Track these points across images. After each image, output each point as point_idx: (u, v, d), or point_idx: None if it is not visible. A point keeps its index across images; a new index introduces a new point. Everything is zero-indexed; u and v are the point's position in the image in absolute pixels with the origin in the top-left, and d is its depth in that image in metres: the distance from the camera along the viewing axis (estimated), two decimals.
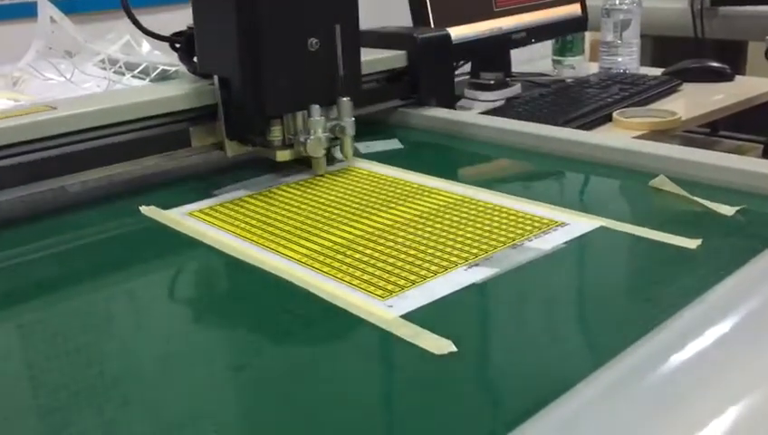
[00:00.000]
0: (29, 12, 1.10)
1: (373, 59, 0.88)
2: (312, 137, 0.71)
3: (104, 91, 0.79)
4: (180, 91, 0.74)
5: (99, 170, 0.69)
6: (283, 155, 0.73)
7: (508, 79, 1.20)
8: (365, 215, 0.62)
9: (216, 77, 0.73)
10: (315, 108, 0.71)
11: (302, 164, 0.75)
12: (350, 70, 0.74)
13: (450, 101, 0.97)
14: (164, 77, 1.16)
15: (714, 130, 1.39)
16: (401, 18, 1.06)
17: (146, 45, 1.19)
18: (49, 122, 0.66)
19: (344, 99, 0.73)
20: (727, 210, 0.58)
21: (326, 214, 0.63)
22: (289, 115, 0.72)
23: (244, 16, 0.68)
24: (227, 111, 0.74)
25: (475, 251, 0.54)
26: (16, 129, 0.65)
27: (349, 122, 0.73)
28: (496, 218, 0.60)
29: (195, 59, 0.77)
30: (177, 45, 0.81)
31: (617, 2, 1.29)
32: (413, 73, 0.92)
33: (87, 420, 0.37)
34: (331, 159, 0.76)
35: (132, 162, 0.71)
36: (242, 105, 0.71)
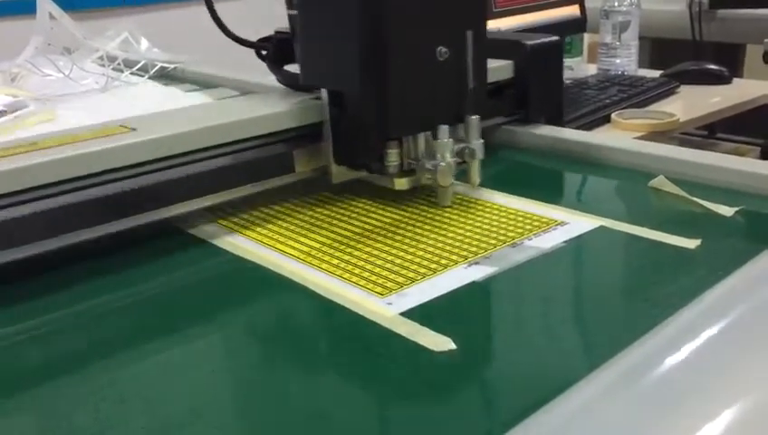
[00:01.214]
0: (28, 8, 1.10)
1: None
2: (442, 163, 0.60)
3: (182, 108, 0.68)
4: (283, 107, 0.64)
5: (187, 204, 0.58)
6: (401, 183, 0.62)
7: None
8: (363, 212, 0.62)
9: (324, 91, 0.63)
10: (443, 128, 0.60)
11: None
12: (478, 82, 0.63)
13: (560, 117, 0.84)
14: (163, 74, 1.16)
15: (711, 132, 1.40)
16: None
17: (144, 42, 1.19)
18: (132, 148, 0.55)
19: (473, 117, 0.62)
20: (726, 211, 0.59)
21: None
22: (410, 137, 0.62)
23: (368, 21, 0.58)
24: (336, 131, 0.64)
25: (474, 249, 0.54)
26: (92, 157, 0.53)
27: (478, 144, 0.62)
28: (496, 217, 0.60)
29: (285, 68, 0.70)
30: (264, 52, 0.72)
31: (615, 3, 1.29)
32: (519, 86, 0.80)
33: None
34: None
35: (228, 192, 0.61)
36: (359, 124, 0.61)
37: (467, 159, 0.63)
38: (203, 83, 1.13)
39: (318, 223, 0.61)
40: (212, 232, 0.60)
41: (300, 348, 0.44)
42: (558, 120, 0.83)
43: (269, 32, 0.71)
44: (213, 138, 0.59)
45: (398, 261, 0.53)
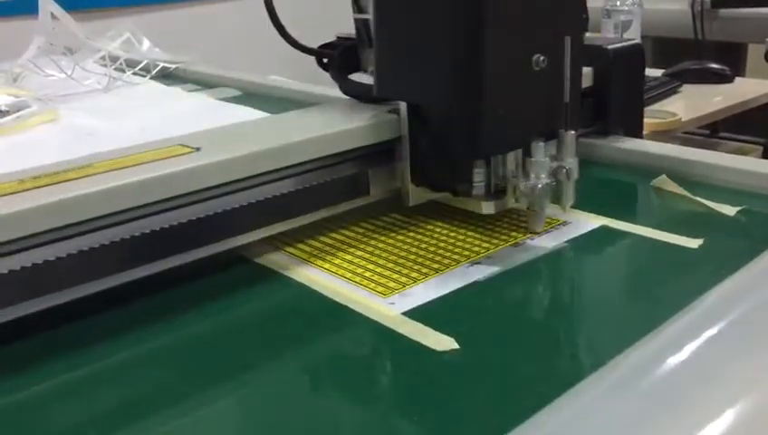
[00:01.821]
0: (30, 8, 1.10)
1: None
2: (540, 184, 0.53)
3: (241, 123, 0.62)
4: (358, 122, 0.56)
5: (261, 231, 0.52)
6: (488, 206, 0.56)
7: None
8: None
9: (402, 105, 0.57)
10: (539, 146, 0.53)
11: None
12: (574, 93, 0.55)
13: (639, 129, 0.77)
14: (164, 74, 1.16)
15: (713, 131, 1.40)
16: None
17: (146, 43, 1.19)
18: (197, 172, 0.48)
19: (569, 132, 0.54)
20: (729, 210, 0.58)
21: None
22: (499, 156, 0.55)
23: (462, 27, 0.51)
24: (415, 149, 0.58)
25: (476, 249, 0.54)
26: (155, 183, 0.46)
27: (574, 163, 0.55)
28: (498, 216, 0.60)
29: (350, 76, 0.64)
30: (325, 60, 0.67)
31: (617, 3, 1.29)
32: (599, 95, 0.73)
33: None
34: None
35: (296, 220, 0.54)
36: (444, 142, 0.55)
37: (562, 178, 0.55)
38: (205, 83, 1.13)
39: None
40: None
41: (302, 347, 0.44)
42: (638, 133, 0.76)
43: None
44: (287, 157, 0.52)
45: (401, 261, 0.53)
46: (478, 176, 0.55)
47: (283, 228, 0.54)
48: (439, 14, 0.52)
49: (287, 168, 0.52)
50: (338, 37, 0.65)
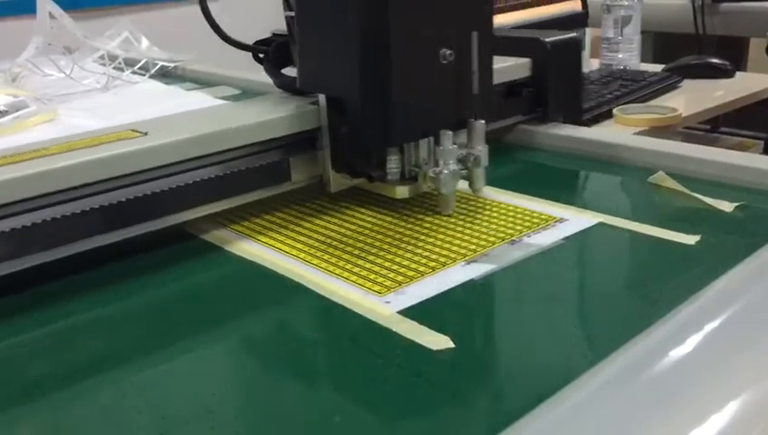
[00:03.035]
0: (28, 8, 1.10)
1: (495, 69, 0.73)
2: (445, 171, 0.58)
3: (186, 112, 0.66)
4: (280, 113, 0.61)
5: (192, 211, 0.57)
6: (402, 191, 0.61)
7: None
8: (360, 210, 0.62)
9: (321, 97, 0.61)
10: (447, 134, 0.58)
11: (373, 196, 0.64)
12: (483, 85, 0.60)
13: (580, 116, 0.83)
14: (163, 73, 1.16)
15: (714, 126, 1.39)
16: None
17: (144, 42, 1.19)
18: (142, 154, 0.53)
19: (478, 122, 0.60)
20: (726, 206, 0.58)
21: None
22: (411, 143, 0.60)
23: (369, 24, 0.55)
24: (335, 138, 0.62)
25: (473, 247, 0.54)
26: (104, 163, 0.52)
27: (483, 151, 0.60)
28: (494, 214, 0.59)
29: (283, 71, 0.68)
30: (261, 56, 0.71)
31: None
32: (538, 85, 0.79)
33: None
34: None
35: (228, 201, 0.59)
36: (359, 131, 0.59)
37: (471, 166, 0.61)
38: (204, 82, 1.13)
39: (316, 229, 0.60)
40: (222, 237, 0.59)
41: (296, 345, 0.44)
42: (578, 120, 0.81)
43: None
44: (221, 142, 0.57)
45: (397, 259, 0.52)
46: (392, 163, 0.60)
47: (213, 210, 0.58)
48: (349, 12, 0.56)
49: (217, 153, 0.57)
50: (273, 34, 0.68)
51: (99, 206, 0.52)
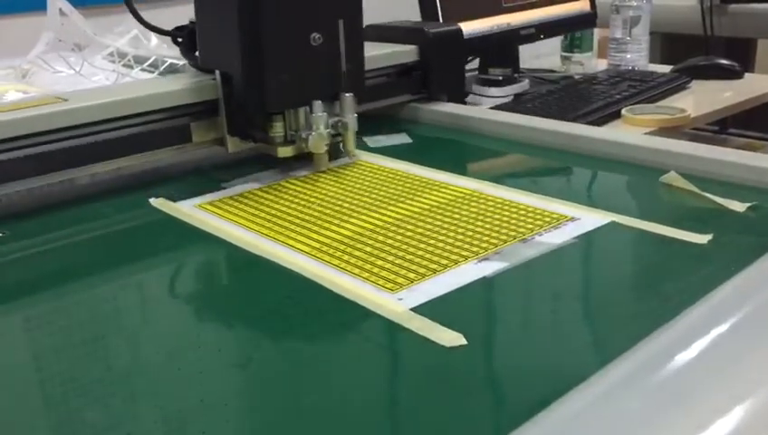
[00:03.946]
0: (39, 5, 1.11)
1: (383, 53, 0.88)
2: (313, 133, 0.70)
3: (111, 85, 0.80)
4: (181, 85, 0.74)
5: (104, 164, 0.69)
6: (284, 151, 0.72)
7: (516, 75, 1.19)
8: (374, 208, 0.62)
9: (217, 72, 0.73)
10: (317, 104, 0.70)
11: (305, 160, 0.74)
12: (353, 65, 0.73)
13: (461, 96, 0.97)
14: (172, 70, 1.16)
15: (723, 127, 1.39)
16: (410, 13, 1.06)
17: (154, 39, 1.19)
18: (60, 114, 0.66)
19: (347, 95, 0.72)
20: (738, 207, 0.58)
21: (335, 208, 0.63)
22: (291, 111, 0.72)
23: (246, 11, 0.67)
24: (229, 107, 0.73)
25: (485, 245, 0.54)
26: (28, 120, 0.64)
27: (351, 118, 0.73)
28: (506, 213, 0.60)
29: (197, 53, 0.77)
30: (179, 40, 0.80)
31: None
32: (424, 68, 0.92)
33: (93, 413, 0.38)
34: (336, 155, 0.76)
35: (136, 156, 0.71)
36: (243, 101, 0.71)
37: (341, 130, 0.73)
38: None
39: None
40: (211, 223, 0.60)
41: (310, 343, 0.44)
42: (461, 99, 0.96)
43: None
44: (125, 108, 0.69)
45: (409, 256, 0.53)
46: (276, 128, 0.72)
47: (124, 164, 0.70)
48: (230, 2, 0.67)
49: (128, 117, 0.70)
50: (190, 21, 0.77)
51: (27, 155, 0.65)
